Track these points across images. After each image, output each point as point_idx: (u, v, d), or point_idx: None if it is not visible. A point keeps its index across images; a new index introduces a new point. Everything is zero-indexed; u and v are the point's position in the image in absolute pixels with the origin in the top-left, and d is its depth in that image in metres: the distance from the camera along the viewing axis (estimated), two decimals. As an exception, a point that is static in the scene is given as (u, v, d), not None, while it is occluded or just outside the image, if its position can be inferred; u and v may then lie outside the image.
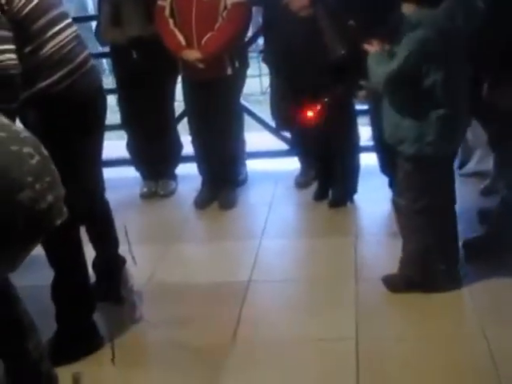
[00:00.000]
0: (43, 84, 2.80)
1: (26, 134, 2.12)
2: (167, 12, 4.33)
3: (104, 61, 7.87)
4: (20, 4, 2.69)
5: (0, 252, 2.01)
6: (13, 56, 2.60)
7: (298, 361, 2.93)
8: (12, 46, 2.61)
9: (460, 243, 3.41)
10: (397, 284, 3.31)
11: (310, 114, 4.01)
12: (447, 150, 3.21)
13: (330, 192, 4.47)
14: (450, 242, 3.31)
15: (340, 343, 3.01)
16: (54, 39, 2.83)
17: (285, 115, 4.48)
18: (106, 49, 4.97)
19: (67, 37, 2.89)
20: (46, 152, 2.11)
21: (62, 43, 2.85)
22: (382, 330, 3.09)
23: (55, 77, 2.82)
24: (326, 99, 3.99)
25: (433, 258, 3.25)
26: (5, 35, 2.60)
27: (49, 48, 2.81)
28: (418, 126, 3.07)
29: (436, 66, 3.00)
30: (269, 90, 4.95)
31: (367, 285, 3.42)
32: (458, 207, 3.35)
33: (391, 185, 4.26)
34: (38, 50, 2.78)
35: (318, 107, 3.99)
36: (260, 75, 8.75)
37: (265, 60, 4.66)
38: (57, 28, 2.85)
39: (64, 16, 2.93)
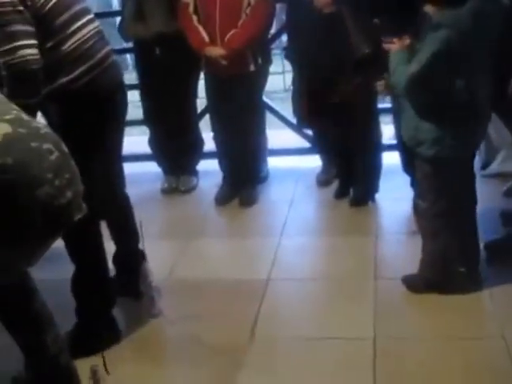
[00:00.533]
0: (64, 79, 2.82)
1: (46, 130, 2.13)
2: (191, 8, 4.33)
3: (128, 56, 7.89)
4: (42, 0, 2.71)
5: (19, 247, 2.04)
6: (35, 51, 2.62)
7: (315, 359, 2.92)
8: (34, 41, 2.63)
9: (481, 245, 3.38)
10: (416, 284, 3.29)
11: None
12: (466, 152, 3.18)
13: (351, 190, 4.46)
14: (470, 244, 3.28)
15: (358, 342, 3.00)
16: (76, 35, 2.84)
17: (306, 112, 4.46)
18: (130, 44, 4.97)
19: (88, 32, 2.90)
20: (65, 148, 2.13)
21: (83, 39, 2.86)
22: (400, 329, 3.08)
23: (76, 72, 2.83)
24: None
25: (453, 259, 3.23)
26: (28, 30, 2.63)
27: (70, 43, 2.82)
28: (437, 128, 3.04)
29: (458, 67, 2.97)
30: (291, 87, 4.94)
31: (386, 284, 3.41)
32: (479, 208, 3.32)
33: (413, 184, 4.24)
34: (60, 46, 2.79)
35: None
36: (283, 72, 8.74)
37: (287, 57, 4.65)
38: (78, 24, 2.86)
39: (86, 12, 2.94)
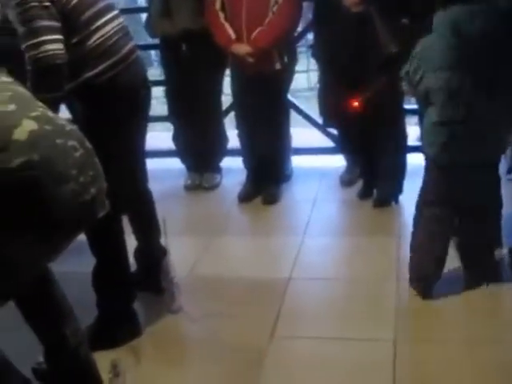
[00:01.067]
0: (88, 75, 2.83)
1: (71, 127, 2.16)
2: (218, 5, 4.33)
3: (152, 52, 7.91)
4: None
5: (43, 243, 2.06)
6: (60, 46, 2.64)
7: (335, 360, 2.91)
8: (60, 36, 2.66)
9: (506, 249, 3.35)
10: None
11: (355, 103, 3.98)
12: (482, 158, 3.11)
13: (375, 191, 4.43)
14: (491, 246, 3.25)
15: (378, 344, 2.98)
16: (100, 31, 2.86)
17: (332, 111, 4.45)
18: (155, 40, 4.98)
19: (113, 28, 2.92)
20: (89, 145, 2.15)
21: (107, 35, 2.88)
22: (421, 332, 3.07)
23: (100, 68, 2.85)
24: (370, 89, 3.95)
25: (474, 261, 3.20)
26: (54, 25, 2.65)
27: (94, 39, 2.83)
28: (446, 132, 3.02)
29: (456, 71, 2.95)
30: (317, 85, 4.92)
31: (408, 285, 3.37)
32: (505, 212, 3.29)
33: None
34: (84, 41, 2.81)
35: (363, 96, 3.95)
36: (308, 71, 8.72)
37: (314, 55, 4.63)
38: (103, 20, 2.88)
39: (110, 8, 2.96)
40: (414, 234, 3.35)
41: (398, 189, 4.36)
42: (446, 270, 3.31)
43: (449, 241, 3.27)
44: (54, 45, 2.62)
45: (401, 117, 4.31)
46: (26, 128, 1.98)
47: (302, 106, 5.32)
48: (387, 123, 4.18)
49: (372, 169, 4.42)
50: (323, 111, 4.62)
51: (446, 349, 2.91)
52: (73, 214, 2.06)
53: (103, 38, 2.86)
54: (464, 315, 3.15)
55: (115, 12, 2.98)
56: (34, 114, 2.07)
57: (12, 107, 2.03)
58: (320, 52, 4.44)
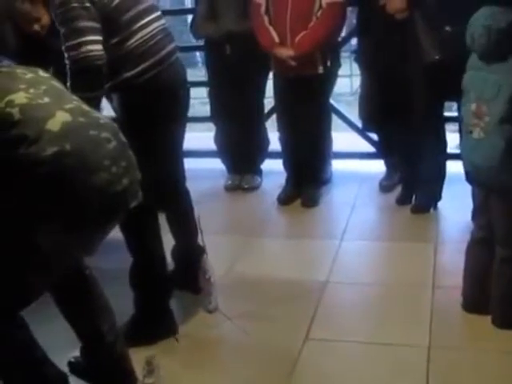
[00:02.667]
0: (127, 74, 2.86)
1: (105, 120, 2.19)
2: (263, 9, 4.37)
3: (197, 53, 7.96)
4: None
5: (76, 232, 2.08)
6: (99, 47, 2.68)
7: (369, 364, 2.91)
8: (99, 37, 2.69)
9: None
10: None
11: None
12: None
13: (414, 197, 4.42)
14: None
15: (412, 350, 2.97)
16: (141, 32, 2.89)
17: (372, 117, 4.45)
18: (201, 42, 5.03)
19: (153, 30, 2.95)
20: (123, 138, 2.18)
21: (148, 36, 2.91)
22: (456, 339, 3.04)
23: (139, 68, 2.88)
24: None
25: None
26: (93, 26, 2.69)
27: (135, 40, 2.87)
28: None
29: None
30: (359, 90, 4.93)
31: (444, 293, 3.37)
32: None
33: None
34: (125, 42, 2.84)
35: None
36: (351, 75, 8.69)
37: (357, 60, 4.63)
38: (144, 21, 2.91)
39: (152, 9, 2.99)
40: None
41: (437, 195, 4.34)
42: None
43: None
44: (94, 46, 2.66)
45: (440, 124, 4.29)
46: (59, 119, 2.01)
47: (343, 111, 5.33)
48: (427, 130, 4.17)
49: (412, 175, 4.41)
50: (363, 115, 4.62)
51: (481, 357, 2.89)
52: (104, 204, 2.06)
53: (144, 39, 2.89)
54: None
55: (157, 13, 3.01)
56: (68, 106, 2.10)
57: (46, 100, 2.06)
58: (362, 57, 4.44)
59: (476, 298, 3.18)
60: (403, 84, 4.08)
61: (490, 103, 2.80)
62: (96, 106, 2.63)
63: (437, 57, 3.82)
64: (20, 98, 2.02)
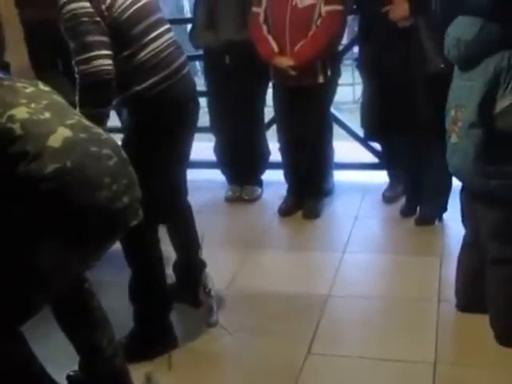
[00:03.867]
0: (138, 88, 2.84)
1: (106, 136, 2.17)
2: (261, 18, 4.33)
3: (197, 62, 7.93)
4: (119, 10, 2.75)
5: (75, 249, 2.06)
6: (109, 61, 2.65)
7: (372, 380, 2.86)
8: (109, 52, 2.67)
9: None
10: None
11: None
12: None
13: (418, 209, 4.36)
14: None
15: (417, 366, 2.92)
16: (151, 45, 2.86)
17: (374, 125, 4.40)
18: (200, 51, 4.98)
19: (164, 42, 2.92)
20: (124, 155, 2.16)
21: (158, 49, 2.89)
22: (462, 355, 2.99)
23: (150, 81, 2.85)
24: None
25: None
26: (103, 40, 2.66)
27: (146, 53, 2.84)
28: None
29: None
30: (361, 99, 4.88)
31: (450, 307, 3.30)
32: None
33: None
34: (135, 55, 2.82)
35: None
36: (353, 84, 8.67)
37: (358, 67, 4.59)
38: (154, 34, 2.89)
39: (162, 22, 2.97)
40: None
41: (442, 207, 4.28)
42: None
43: None
44: (103, 60, 2.63)
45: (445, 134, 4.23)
46: (60, 135, 2.01)
47: (345, 119, 5.29)
48: (431, 139, 4.11)
49: (416, 186, 4.35)
50: (364, 124, 4.57)
51: (487, 374, 2.84)
52: (104, 222, 2.07)
53: (154, 52, 2.87)
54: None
55: (167, 26, 2.99)
56: (69, 121, 2.10)
57: (47, 115, 2.06)
58: (364, 64, 4.40)
59: (470, 298, 3.20)
60: (405, 93, 4.03)
61: (463, 109, 2.90)
62: (103, 120, 2.63)
63: (442, 65, 3.77)
64: (21, 112, 2.01)
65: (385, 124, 4.25)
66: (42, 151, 1.95)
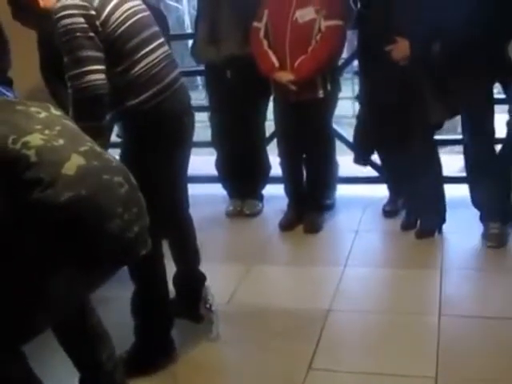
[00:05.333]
0: (132, 102, 2.84)
1: (116, 162, 2.18)
2: (262, 33, 4.34)
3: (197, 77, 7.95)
4: (114, 25, 2.75)
5: (84, 277, 2.07)
6: (102, 76, 2.66)
7: (374, 396, 2.85)
8: (102, 67, 2.68)
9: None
10: None
11: None
12: None
13: (418, 222, 4.36)
14: None
15: (418, 381, 2.90)
16: (145, 59, 2.86)
17: (365, 151, 4.46)
18: (201, 66, 5.00)
19: (158, 57, 2.92)
20: (134, 181, 2.17)
21: (151, 63, 2.88)
22: (464, 370, 2.96)
23: (144, 96, 2.85)
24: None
25: None
26: (97, 56, 2.67)
27: (139, 67, 2.84)
28: None
29: None
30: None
31: (451, 321, 3.31)
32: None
33: (482, 218, 4.14)
34: (129, 70, 2.82)
35: None
36: (353, 98, 8.66)
37: (358, 99, 4.60)
38: (148, 48, 2.89)
39: (156, 36, 2.97)
40: None
41: (441, 218, 4.29)
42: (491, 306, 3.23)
43: None
44: (96, 75, 2.64)
45: (435, 145, 4.23)
46: (74, 163, 2.01)
47: (345, 133, 5.28)
48: (426, 154, 4.13)
49: (415, 199, 4.36)
50: (355, 149, 4.61)
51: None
52: (116, 251, 2.07)
53: (148, 67, 2.87)
54: (509, 355, 3.05)
55: (160, 40, 2.99)
56: (82, 148, 2.10)
57: (61, 142, 2.06)
58: (364, 100, 4.41)
59: None
60: (399, 134, 4.06)
61: None
62: (102, 134, 2.63)
63: (441, 119, 3.85)
64: (36, 139, 2.01)
65: (378, 144, 4.29)
66: (57, 179, 1.95)
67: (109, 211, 2.03)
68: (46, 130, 2.07)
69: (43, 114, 2.16)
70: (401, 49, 3.90)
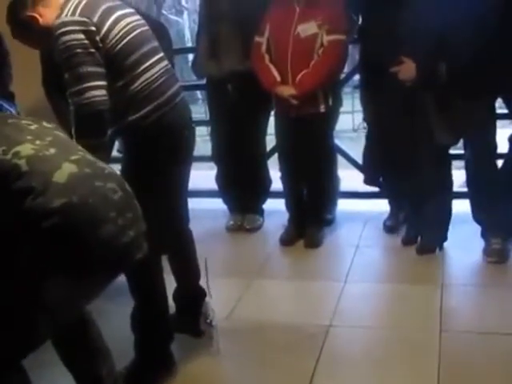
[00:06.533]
0: (132, 117, 2.84)
1: (110, 170, 2.19)
2: (263, 48, 4.35)
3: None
4: (113, 41, 2.75)
5: (80, 284, 2.06)
6: (103, 92, 2.66)
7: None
8: (103, 83, 2.68)
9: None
10: None
11: None
12: None
13: (419, 238, 4.35)
14: None
15: (421, 398, 2.89)
16: (145, 74, 2.86)
17: (373, 172, 4.46)
18: (202, 80, 5.00)
19: (157, 72, 2.92)
20: (129, 188, 2.17)
21: (151, 79, 2.88)
22: (465, 387, 2.96)
23: (144, 111, 2.85)
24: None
25: None
26: (97, 71, 2.67)
27: (139, 82, 2.84)
28: None
29: None
30: (361, 126, 4.90)
31: (452, 337, 3.29)
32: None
33: (483, 234, 4.13)
34: (129, 85, 2.82)
35: None
36: (352, 112, 8.69)
37: (364, 120, 4.61)
38: (147, 63, 2.88)
39: (155, 51, 2.97)
40: None
41: (443, 236, 4.27)
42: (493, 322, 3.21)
43: None
44: (96, 91, 2.64)
45: (446, 162, 4.21)
46: (65, 171, 2.03)
47: (345, 147, 5.28)
48: (431, 169, 4.12)
49: (416, 215, 4.34)
50: (364, 169, 4.62)
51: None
52: (110, 256, 2.07)
53: (148, 82, 2.86)
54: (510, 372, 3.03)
55: (160, 55, 2.99)
56: (73, 157, 2.11)
57: (52, 151, 2.08)
58: (368, 118, 4.42)
59: None
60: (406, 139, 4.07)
61: None
62: (102, 150, 2.62)
63: (446, 143, 3.85)
64: (26, 149, 2.03)
65: (384, 167, 4.30)
66: (48, 187, 1.96)
67: (101, 217, 2.03)
68: (37, 140, 2.09)
69: (34, 126, 2.18)
70: (407, 70, 3.89)
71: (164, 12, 18.70)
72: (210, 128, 5.06)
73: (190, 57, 5.16)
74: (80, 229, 1.98)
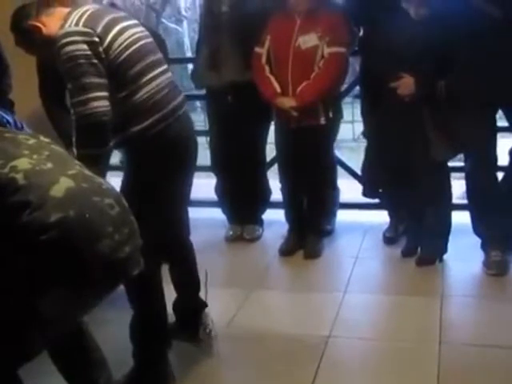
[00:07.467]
0: (135, 128, 2.84)
1: (107, 185, 2.20)
2: (264, 59, 4.35)
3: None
4: (116, 52, 2.76)
5: (76, 298, 2.06)
6: (105, 103, 2.66)
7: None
8: (105, 93, 2.68)
9: None
10: None
11: None
12: None
13: (419, 249, 4.35)
14: None
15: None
16: (148, 85, 2.86)
17: (372, 185, 4.46)
18: (201, 90, 5.00)
19: (160, 83, 2.92)
20: (125, 203, 2.18)
21: (154, 90, 2.88)
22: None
23: (147, 122, 2.85)
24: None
25: None
26: (100, 82, 2.67)
27: (142, 94, 2.84)
28: None
29: None
30: (361, 136, 4.90)
31: (452, 349, 3.29)
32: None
33: (483, 246, 4.13)
34: (133, 96, 2.82)
35: None
36: (353, 122, 8.69)
37: (364, 135, 4.62)
38: (151, 75, 2.89)
39: (159, 63, 2.98)
40: None
41: (443, 248, 4.27)
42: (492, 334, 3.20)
43: None
44: (99, 102, 2.64)
45: (445, 174, 4.22)
46: (62, 185, 2.03)
47: (345, 158, 5.28)
48: (431, 182, 4.12)
49: (416, 226, 4.34)
50: (363, 181, 4.63)
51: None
52: (106, 271, 2.07)
53: (151, 93, 2.87)
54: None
55: (164, 67, 3.00)
56: (71, 172, 2.11)
57: (49, 165, 2.09)
58: (368, 130, 4.43)
59: None
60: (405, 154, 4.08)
61: None
62: (100, 162, 2.62)
63: (444, 158, 3.90)
64: (23, 163, 2.04)
65: (383, 179, 4.30)
66: (45, 201, 1.96)
67: (98, 232, 2.04)
68: (35, 154, 2.10)
69: (32, 141, 2.19)
70: (406, 86, 3.90)
71: (163, 20, 18.78)
72: (208, 138, 5.05)
73: (189, 66, 5.17)
74: (77, 243, 1.99)
